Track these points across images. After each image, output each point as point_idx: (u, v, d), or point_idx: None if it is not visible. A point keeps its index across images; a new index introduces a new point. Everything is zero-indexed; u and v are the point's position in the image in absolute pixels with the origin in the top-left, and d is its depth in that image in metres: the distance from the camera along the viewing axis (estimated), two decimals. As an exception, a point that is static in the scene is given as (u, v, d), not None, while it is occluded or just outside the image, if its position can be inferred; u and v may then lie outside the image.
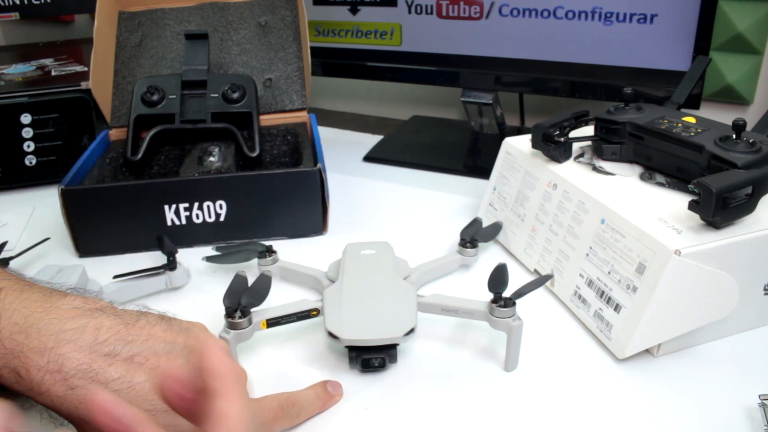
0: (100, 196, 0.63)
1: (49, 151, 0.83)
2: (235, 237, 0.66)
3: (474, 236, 0.61)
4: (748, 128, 0.50)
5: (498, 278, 0.47)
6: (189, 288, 0.60)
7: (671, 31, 0.70)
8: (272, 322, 0.48)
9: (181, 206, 0.64)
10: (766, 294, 0.49)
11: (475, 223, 0.63)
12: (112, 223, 0.64)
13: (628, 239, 0.47)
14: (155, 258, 0.63)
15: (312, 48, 0.80)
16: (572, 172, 0.56)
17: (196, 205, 0.64)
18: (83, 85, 0.83)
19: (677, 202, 0.50)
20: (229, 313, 0.46)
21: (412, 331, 0.45)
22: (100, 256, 0.65)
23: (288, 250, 0.65)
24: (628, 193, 0.52)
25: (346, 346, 0.46)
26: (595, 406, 0.44)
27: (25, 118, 0.81)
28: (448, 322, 0.53)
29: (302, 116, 0.81)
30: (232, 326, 0.46)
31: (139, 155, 0.71)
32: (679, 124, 0.53)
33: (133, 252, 0.66)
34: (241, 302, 0.47)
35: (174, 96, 0.74)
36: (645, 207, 0.49)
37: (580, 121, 0.60)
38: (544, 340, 0.51)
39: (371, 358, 0.46)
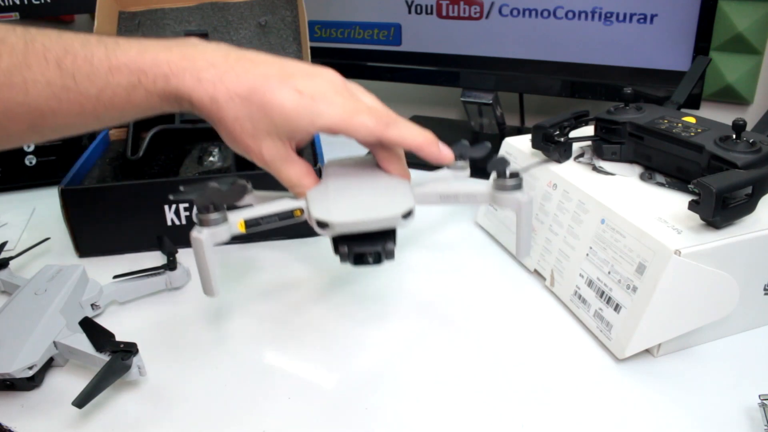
0: (100, 196, 0.63)
1: (49, 151, 0.83)
2: (235, 237, 0.66)
3: (462, 153, 0.51)
4: (748, 128, 0.50)
5: (498, 160, 0.44)
6: (189, 288, 0.60)
7: (671, 31, 0.70)
8: (251, 223, 0.42)
9: (181, 206, 0.64)
10: (766, 294, 0.49)
11: (460, 144, 0.53)
12: (112, 223, 0.64)
13: (628, 239, 0.47)
14: (155, 258, 0.63)
15: (312, 48, 0.80)
16: (572, 172, 0.56)
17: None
18: (83, 85, 0.83)
19: (677, 202, 0.50)
20: (201, 209, 0.41)
21: (410, 213, 0.40)
22: (100, 256, 0.65)
23: (288, 250, 0.65)
24: (628, 193, 0.52)
25: (336, 240, 0.41)
26: (595, 406, 0.44)
27: (25, 118, 0.81)
28: (448, 326, 0.53)
29: (302, 116, 0.81)
30: (204, 223, 0.41)
31: (139, 155, 0.71)
32: (679, 124, 0.53)
33: (133, 252, 0.66)
34: (213, 201, 0.41)
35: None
36: (645, 207, 0.49)
37: (580, 121, 0.60)
38: (544, 340, 0.51)
39: (365, 252, 0.41)
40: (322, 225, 0.40)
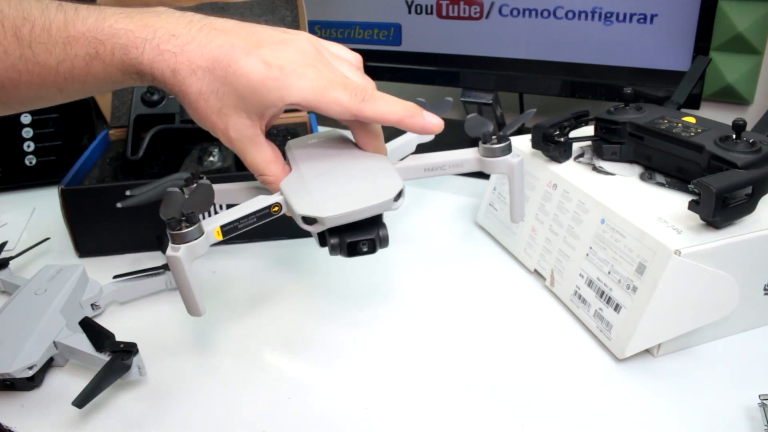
0: (100, 196, 0.63)
1: (49, 151, 0.83)
2: (235, 237, 0.66)
3: None
4: (748, 128, 0.50)
5: (478, 121, 0.41)
6: (189, 288, 0.60)
7: (671, 31, 0.70)
8: (228, 229, 0.39)
9: (181, 206, 0.64)
10: (766, 294, 0.49)
11: (416, 102, 0.51)
12: (112, 223, 0.64)
13: (628, 239, 0.47)
14: (155, 258, 0.63)
15: (312, 48, 0.80)
16: (572, 172, 0.56)
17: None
18: (83, 85, 0.83)
19: (677, 202, 0.50)
20: (173, 225, 0.37)
21: (401, 194, 0.38)
22: (100, 256, 0.65)
23: (288, 250, 0.65)
24: (628, 193, 0.52)
25: (325, 234, 0.39)
26: (595, 406, 0.44)
27: (25, 118, 0.81)
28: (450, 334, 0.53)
29: (302, 116, 0.82)
30: (178, 240, 0.37)
31: (139, 155, 0.71)
32: (679, 124, 0.53)
33: (133, 252, 0.66)
34: (183, 211, 0.37)
35: (174, 96, 0.74)
36: (645, 207, 0.49)
37: (580, 121, 0.60)
38: (544, 340, 0.51)
39: (358, 241, 0.38)
40: (310, 221, 0.37)
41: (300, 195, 0.39)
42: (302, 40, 0.40)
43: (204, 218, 0.39)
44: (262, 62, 0.37)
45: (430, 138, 0.49)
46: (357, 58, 0.43)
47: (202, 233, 0.38)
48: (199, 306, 0.39)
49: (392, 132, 0.42)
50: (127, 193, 0.50)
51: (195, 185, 0.40)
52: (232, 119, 0.39)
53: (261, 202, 0.40)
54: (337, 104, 0.38)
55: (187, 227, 0.37)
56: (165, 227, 0.39)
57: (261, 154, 0.40)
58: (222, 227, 0.39)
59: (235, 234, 0.39)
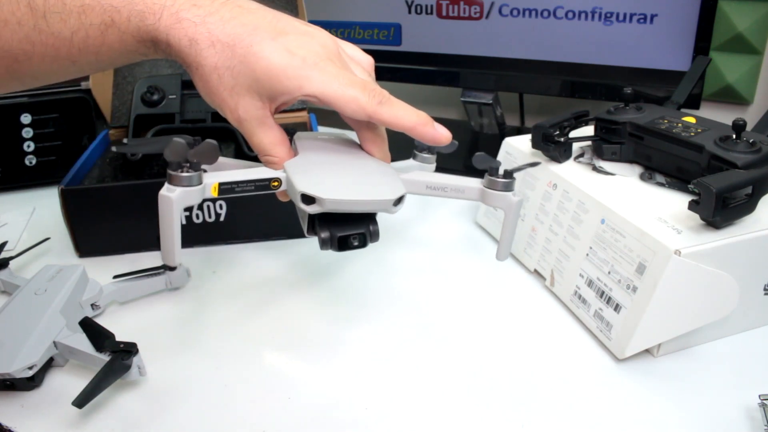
0: (100, 196, 0.63)
1: (49, 151, 0.83)
2: (235, 237, 0.66)
3: (429, 145, 0.50)
4: (748, 128, 0.50)
5: (485, 157, 0.42)
6: (189, 288, 0.60)
7: (671, 31, 0.70)
8: (225, 188, 0.39)
9: (181, 206, 0.64)
10: (766, 294, 0.49)
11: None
12: (112, 223, 0.64)
13: (628, 239, 0.47)
14: (155, 258, 0.63)
15: (312, 48, 0.80)
16: (572, 172, 0.56)
17: (196, 205, 0.64)
18: (83, 85, 0.83)
19: (677, 202, 0.50)
20: (174, 167, 0.37)
21: (402, 200, 0.39)
22: (100, 256, 0.65)
23: (288, 250, 0.65)
24: (628, 193, 0.52)
25: (314, 223, 0.39)
26: (595, 406, 0.44)
27: (25, 118, 0.81)
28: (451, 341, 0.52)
29: (302, 116, 0.82)
30: (176, 181, 0.37)
31: (139, 155, 0.71)
32: (679, 124, 0.53)
33: (133, 252, 0.66)
34: (188, 158, 0.38)
35: (174, 96, 0.74)
36: (645, 207, 0.49)
37: (580, 121, 0.60)
38: (544, 340, 0.51)
39: (349, 235, 0.38)
40: (309, 200, 0.37)
41: (303, 175, 0.39)
42: (324, 35, 0.40)
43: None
44: (285, 50, 0.37)
45: (431, 168, 0.50)
46: (369, 62, 0.44)
47: (201, 183, 0.38)
48: (176, 256, 0.39)
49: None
50: (124, 140, 0.50)
51: (201, 143, 0.40)
52: (243, 99, 0.38)
53: (263, 172, 0.40)
54: (355, 103, 0.38)
55: (189, 172, 0.37)
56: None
57: (268, 136, 0.40)
58: (220, 184, 0.39)
59: (229, 195, 0.39)
